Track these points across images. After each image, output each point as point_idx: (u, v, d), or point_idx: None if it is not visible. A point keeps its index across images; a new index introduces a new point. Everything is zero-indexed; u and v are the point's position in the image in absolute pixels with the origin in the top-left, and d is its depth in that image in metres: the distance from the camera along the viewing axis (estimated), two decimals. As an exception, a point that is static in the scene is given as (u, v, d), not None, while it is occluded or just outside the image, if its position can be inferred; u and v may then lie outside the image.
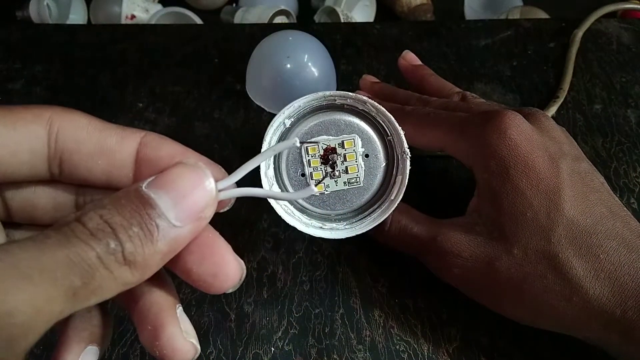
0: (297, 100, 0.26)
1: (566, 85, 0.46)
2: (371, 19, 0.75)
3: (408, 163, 0.27)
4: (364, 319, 0.33)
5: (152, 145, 0.18)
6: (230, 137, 0.43)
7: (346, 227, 0.28)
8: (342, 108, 0.27)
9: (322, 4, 0.72)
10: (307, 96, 0.27)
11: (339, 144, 0.27)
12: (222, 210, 0.19)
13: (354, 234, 0.27)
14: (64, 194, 0.19)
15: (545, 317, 0.27)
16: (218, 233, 0.18)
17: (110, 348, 0.31)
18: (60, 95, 0.47)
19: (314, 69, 0.44)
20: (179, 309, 0.18)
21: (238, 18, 0.66)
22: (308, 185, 0.27)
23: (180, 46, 0.51)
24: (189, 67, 0.49)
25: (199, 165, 0.17)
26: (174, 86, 0.47)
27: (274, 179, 0.27)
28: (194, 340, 0.18)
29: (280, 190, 0.28)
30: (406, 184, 0.27)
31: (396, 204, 0.27)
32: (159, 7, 0.70)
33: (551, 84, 0.47)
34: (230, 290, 0.18)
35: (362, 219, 0.28)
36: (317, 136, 0.27)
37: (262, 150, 0.27)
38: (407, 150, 0.26)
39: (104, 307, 0.19)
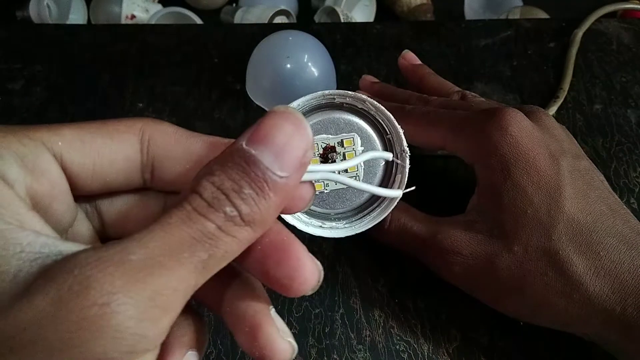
0: (296, 100, 0.26)
1: (566, 85, 0.46)
2: (371, 19, 0.75)
3: (408, 162, 0.27)
4: (364, 319, 0.33)
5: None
6: (231, 137, 0.42)
7: (346, 226, 0.28)
8: (341, 107, 0.27)
9: (322, 4, 0.72)
10: (306, 96, 0.27)
11: (338, 143, 0.27)
12: (303, 210, 0.19)
13: (353, 233, 0.27)
14: (155, 202, 0.20)
15: (545, 314, 0.27)
16: (294, 236, 0.18)
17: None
18: (60, 95, 0.47)
19: (314, 69, 0.44)
20: (272, 310, 0.19)
21: (238, 18, 0.66)
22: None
23: (180, 46, 0.51)
24: (189, 67, 0.49)
25: (289, 110, 0.16)
26: (174, 86, 0.47)
27: None
28: (291, 339, 0.18)
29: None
30: (406, 182, 0.27)
31: (396, 203, 0.27)
32: (159, 7, 0.70)
33: (551, 84, 0.47)
34: (309, 293, 0.18)
35: (361, 217, 0.28)
36: (317, 135, 0.27)
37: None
38: (407, 149, 0.27)
39: (199, 313, 0.19)
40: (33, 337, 0.12)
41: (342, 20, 0.66)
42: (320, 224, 0.28)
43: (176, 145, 0.18)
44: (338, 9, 0.68)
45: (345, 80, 0.48)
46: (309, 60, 0.44)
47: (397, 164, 0.27)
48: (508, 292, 0.28)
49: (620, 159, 0.41)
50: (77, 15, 0.69)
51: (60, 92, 0.47)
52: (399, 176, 0.27)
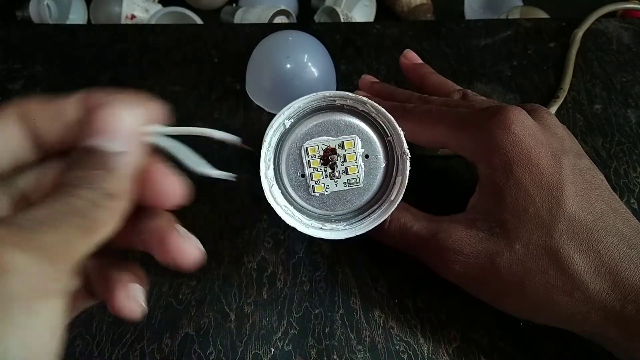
0: (296, 101, 0.26)
1: (566, 85, 0.46)
2: (371, 19, 0.75)
3: (408, 164, 0.27)
4: (363, 320, 0.33)
5: (95, 102, 0.20)
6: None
7: (346, 227, 0.28)
8: (342, 109, 0.27)
9: (322, 4, 0.72)
10: (307, 96, 0.26)
11: (338, 145, 0.27)
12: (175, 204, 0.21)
13: (353, 235, 0.27)
14: (57, 165, 0.21)
15: (546, 312, 0.27)
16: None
17: (109, 349, 0.31)
18: (60, 95, 0.47)
19: (314, 69, 0.44)
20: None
21: (238, 18, 0.66)
22: (308, 186, 0.27)
23: (180, 46, 0.51)
24: (188, 67, 0.49)
25: (112, 103, 0.19)
26: (174, 86, 0.47)
27: (274, 180, 0.27)
28: (198, 244, 0.21)
29: (280, 190, 0.28)
30: (406, 184, 0.27)
31: (396, 205, 0.27)
32: (159, 7, 0.71)
33: (551, 84, 0.47)
34: (195, 267, 0.21)
35: (362, 219, 0.28)
36: (317, 137, 0.27)
37: (263, 150, 0.27)
38: (407, 151, 0.26)
39: (135, 266, 0.23)
40: None
41: (342, 20, 0.66)
42: (320, 225, 0.28)
43: (54, 116, 0.20)
44: (338, 9, 0.68)
45: (345, 80, 0.48)
46: (309, 60, 0.44)
47: (397, 165, 0.27)
48: (508, 291, 0.28)
49: (620, 159, 0.41)
50: (77, 15, 0.69)
51: (60, 92, 0.47)
52: (399, 178, 0.27)
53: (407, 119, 0.27)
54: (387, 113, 0.26)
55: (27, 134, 0.20)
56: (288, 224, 0.27)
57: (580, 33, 0.50)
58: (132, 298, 0.21)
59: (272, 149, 0.27)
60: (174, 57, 0.50)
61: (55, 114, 0.21)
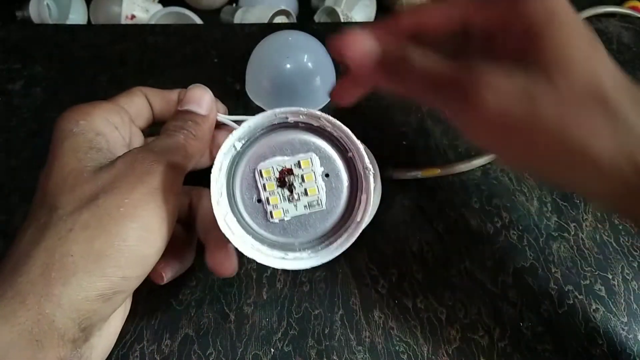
0: (246, 121, 0.25)
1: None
2: (371, 19, 0.75)
3: (372, 180, 0.25)
4: (363, 320, 0.33)
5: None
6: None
7: (311, 255, 0.25)
8: (296, 126, 0.25)
9: (322, 4, 0.72)
10: (256, 116, 0.25)
11: (295, 164, 0.25)
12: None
13: (318, 263, 0.25)
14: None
15: (579, 166, 0.24)
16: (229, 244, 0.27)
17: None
18: (60, 95, 0.47)
19: (314, 69, 0.44)
20: (230, 245, 0.26)
21: (238, 18, 0.66)
22: (265, 212, 0.25)
23: (180, 46, 0.51)
24: (188, 67, 0.49)
25: (196, 85, 0.31)
26: (174, 86, 0.47)
27: (228, 207, 0.25)
28: (235, 263, 0.28)
29: (235, 218, 0.25)
30: (372, 203, 0.25)
31: (363, 227, 0.25)
32: (159, 7, 0.70)
33: (551, 84, 0.47)
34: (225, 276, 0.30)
35: (327, 245, 0.26)
36: (272, 157, 0.25)
37: (213, 174, 0.25)
38: (370, 166, 0.24)
39: (190, 239, 0.31)
40: (115, 179, 0.25)
41: (342, 20, 0.66)
42: (282, 255, 0.25)
43: (162, 97, 0.32)
44: (338, 9, 0.68)
45: (345, 80, 0.48)
46: (309, 60, 0.44)
47: (361, 183, 0.25)
48: (544, 140, 0.24)
49: (620, 159, 0.41)
50: (77, 15, 0.69)
51: (60, 92, 0.47)
52: (363, 196, 0.25)
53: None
54: (344, 127, 0.24)
55: (148, 106, 0.31)
56: (247, 257, 0.25)
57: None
58: (231, 256, 0.28)
59: (223, 174, 0.25)
60: (174, 57, 0.50)
61: (163, 96, 0.32)
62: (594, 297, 0.34)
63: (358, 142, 0.24)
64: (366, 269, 0.35)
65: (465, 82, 0.24)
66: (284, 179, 0.25)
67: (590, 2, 0.54)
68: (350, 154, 0.25)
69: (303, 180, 0.25)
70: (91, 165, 0.25)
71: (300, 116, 0.25)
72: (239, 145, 0.25)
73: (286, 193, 0.25)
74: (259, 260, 0.25)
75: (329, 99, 0.46)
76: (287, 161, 0.25)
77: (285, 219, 0.25)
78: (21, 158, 0.42)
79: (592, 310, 0.33)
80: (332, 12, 0.69)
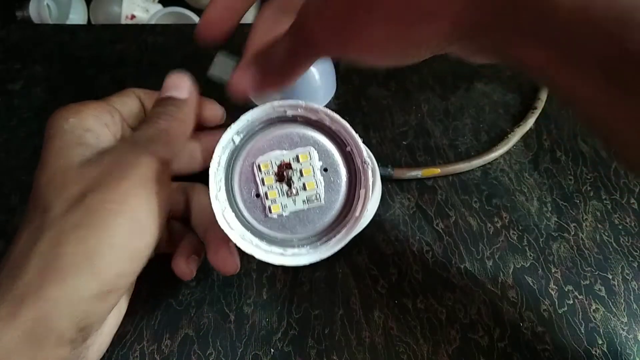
0: (244, 114, 0.25)
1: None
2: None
3: (370, 174, 0.24)
4: (363, 320, 0.33)
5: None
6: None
7: (309, 251, 0.25)
8: (294, 120, 0.26)
9: (322, 3, 0.72)
10: (255, 109, 0.25)
11: (293, 159, 0.25)
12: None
13: (317, 259, 0.25)
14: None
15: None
16: (228, 241, 0.26)
17: (109, 349, 0.31)
18: (60, 95, 0.47)
19: (313, 69, 0.44)
20: (231, 243, 0.26)
21: (238, 18, 0.66)
22: (264, 206, 0.25)
23: (180, 46, 0.51)
24: (189, 67, 0.49)
25: (174, 73, 0.30)
26: (174, 86, 0.47)
27: (227, 202, 0.25)
28: (238, 261, 0.28)
29: (233, 213, 0.25)
30: (372, 198, 0.24)
31: (361, 222, 0.25)
32: (159, 7, 0.70)
33: (551, 84, 0.47)
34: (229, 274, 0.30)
35: (326, 241, 0.25)
36: (270, 151, 0.25)
37: (211, 172, 0.25)
38: (368, 160, 0.24)
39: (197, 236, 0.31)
40: (101, 175, 0.25)
41: (342, 20, 0.66)
42: (281, 251, 0.25)
43: (151, 96, 0.32)
44: (338, 9, 0.67)
45: (345, 80, 0.48)
46: (309, 61, 0.44)
47: (359, 178, 0.25)
48: None
49: (620, 159, 0.41)
50: (77, 15, 0.69)
51: (60, 92, 0.47)
52: (362, 191, 0.25)
53: None
54: (342, 120, 0.24)
55: (141, 106, 0.31)
56: (245, 252, 0.24)
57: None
58: (233, 254, 0.28)
59: (222, 169, 0.25)
60: (174, 57, 0.50)
61: (155, 97, 0.30)
62: (594, 297, 0.34)
63: (356, 135, 0.24)
64: (366, 269, 0.35)
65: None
66: (283, 173, 0.25)
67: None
68: (348, 148, 0.25)
69: (301, 174, 0.25)
70: (78, 160, 0.25)
71: (299, 109, 0.25)
72: (237, 140, 0.25)
73: (284, 188, 0.25)
74: (257, 257, 0.24)
75: (329, 99, 0.46)
76: (285, 155, 0.25)
77: (284, 214, 0.25)
78: (21, 158, 0.42)
79: (592, 310, 0.33)
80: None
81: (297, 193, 0.25)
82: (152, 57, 0.50)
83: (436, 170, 0.39)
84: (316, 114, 0.25)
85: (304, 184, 0.25)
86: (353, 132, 0.24)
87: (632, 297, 0.34)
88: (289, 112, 0.25)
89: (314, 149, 0.25)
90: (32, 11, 0.64)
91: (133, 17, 0.68)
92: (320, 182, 0.25)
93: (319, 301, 0.34)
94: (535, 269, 0.35)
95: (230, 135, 0.25)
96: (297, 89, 0.44)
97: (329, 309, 0.33)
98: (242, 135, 0.25)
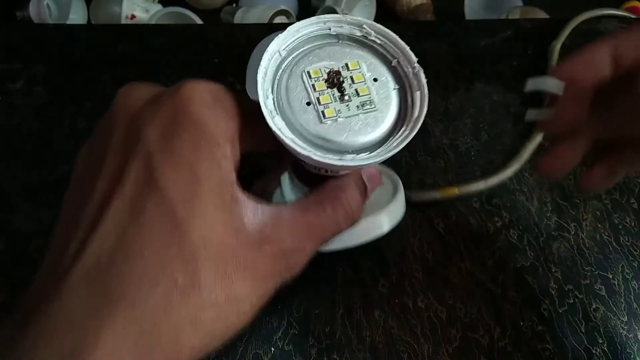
0: (291, 26, 0.24)
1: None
2: (371, 19, 0.75)
3: (422, 75, 0.24)
4: (364, 319, 0.33)
5: None
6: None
7: (369, 155, 0.24)
8: (337, 38, 0.26)
9: (322, 4, 0.72)
10: (302, 21, 0.24)
11: (342, 67, 0.25)
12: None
13: (379, 159, 0.23)
14: None
15: None
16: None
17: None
18: (60, 95, 0.47)
19: (314, 69, 0.44)
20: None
21: (238, 18, 0.66)
22: (317, 113, 0.24)
23: (180, 46, 0.51)
24: (189, 67, 0.49)
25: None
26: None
27: (276, 111, 0.23)
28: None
29: (283, 122, 0.23)
30: (427, 97, 0.24)
31: (420, 123, 0.24)
32: (159, 7, 0.70)
33: (551, 84, 0.47)
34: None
35: (385, 145, 0.24)
36: (318, 62, 0.24)
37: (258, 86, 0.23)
38: (417, 65, 0.24)
39: None
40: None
41: (342, 20, 0.66)
42: (339, 157, 0.23)
43: None
44: (338, 9, 0.68)
45: (345, 80, 0.48)
46: (309, 60, 0.44)
47: (410, 84, 0.25)
48: None
49: (620, 159, 0.41)
50: (77, 15, 0.69)
51: (60, 92, 0.47)
52: (417, 94, 0.24)
53: None
54: (388, 31, 0.25)
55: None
56: (301, 153, 0.22)
57: (557, 45, 0.50)
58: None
59: (269, 79, 0.24)
60: (174, 57, 0.50)
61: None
62: (594, 297, 0.34)
63: (403, 43, 0.25)
64: (367, 267, 0.35)
65: None
66: (334, 80, 0.24)
67: (588, 5, 0.54)
68: (394, 62, 0.25)
69: (352, 81, 0.24)
70: (241, 231, 0.20)
71: (344, 26, 0.25)
72: (283, 53, 0.25)
73: (337, 93, 0.24)
74: (314, 157, 0.22)
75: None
76: (334, 65, 0.24)
77: (339, 119, 0.24)
78: (22, 158, 0.42)
79: (592, 309, 0.33)
80: (332, 12, 0.69)
81: (350, 99, 0.24)
82: (152, 57, 0.50)
83: (454, 191, 0.38)
84: (361, 29, 0.25)
85: (356, 90, 0.24)
86: (400, 40, 0.25)
87: (632, 297, 0.34)
88: (334, 29, 0.25)
89: (362, 61, 0.25)
90: (32, 11, 0.64)
91: (133, 17, 0.68)
92: (372, 90, 0.24)
93: (320, 300, 0.34)
94: (536, 269, 0.35)
95: (277, 47, 0.24)
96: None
97: (330, 308, 0.33)
98: (287, 50, 0.25)
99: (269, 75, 0.24)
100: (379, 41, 0.25)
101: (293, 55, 0.25)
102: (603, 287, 0.34)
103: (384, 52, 0.25)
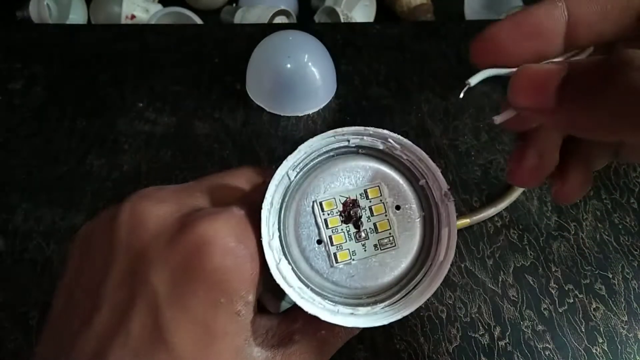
0: (302, 145, 0.21)
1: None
2: (371, 19, 0.75)
3: (453, 209, 0.20)
4: (364, 319, 0.33)
5: None
6: (230, 137, 0.43)
7: (386, 310, 0.21)
8: (356, 152, 0.22)
9: (322, 4, 0.72)
10: (314, 138, 0.21)
11: (360, 195, 0.21)
12: None
13: (398, 317, 0.20)
14: None
15: None
16: None
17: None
18: (60, 95, 0.47)
19: (314, 69, 0.44)
20: None
21: (238, 18, 0.66)
22: (328, 255, 0.20)
23: (180, 46, 0.51)
24: (189, 67, 0.49)
25: None
26: (174, 86, 0.47)
27: (281, 252, 0.20)
28: None
29: (290, 266, 0.20)
30: (456, 237, 0.20)
31: (447, 267, 0.21)
32: (159, 7, 0.70)
33: (551, 84, 0.47)
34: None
35: (404, 295, 0.21)
36: (332, 188, 0.20)
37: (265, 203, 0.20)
38: (449, 193, 0.21)
39: None
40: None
41: (342, 20, 0.66)
42: (351, 311, 0.20)
43: None
44: (338, 9, 0.68)
45: (345, 80, 0.48)
46: (309, 60, 0.44)
47: (439, 215, 0.21)
48: None
49: (620, 158, 0.41)
50: (77, 15, 0.69)
51: (60, 92, 0.47)
52: (444, 230, 0.21)
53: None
54: (417, 148, 0.21)
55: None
56: (308, 312, 0.19)
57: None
58: None
59: (275, 210, 0.20)
60: (174, 57, 0.50)
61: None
62: (594, 296, 0.34)
63: (434, 164, 0.20)
64: (367, 268, 0.35)
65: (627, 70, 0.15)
66: (350, 213, 0.20)
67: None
68: (422, 182, 0.21)
69: (372, 213, 0.21)
70: None
71: (364, 138, 0.21)
72: (292, 175, 0.21)
73: (352, 230, 0.21)
74: (323, 318, 0.19)
75: (329, 99, 0.46)
76: (351, 191, 0.21)
77: (352, 262, 0.20)
78: (21, 157, 0.42)
79: (592, 309, 0.33)
80: (332, 12, 0.69)
81: (367, 236, 0.21)
82: (152, 57, 0.50)
83: (466, 221, 0.37)
84: (385, 142, 0.21)
85: (375, 225, 0.21)
86: (430, 161, 0.21)
87: (632, 296, 0.34)
88: (352, 141, 0.21)
89: (383, 184, 0.21)
90: (32, 11, 0.64)
91: (133, 17, 0.68)
92: (394, 222, 0.21)
93: (320, 300, 0.34)
94: (536, 268, 0.35)
95: (285, 170, 0.21)
96: (298, 89, 0.44)
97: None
98: (297, 171, 0.21)
99: (276, 205, 0.20)
100: (404, 157, 0.21)
101: (303, 173, 0.21)
102: (603, 286, 0.34)
103: (411, 169, 0.21)
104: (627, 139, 0.17)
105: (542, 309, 0.33)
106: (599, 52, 0.20)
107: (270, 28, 0.56)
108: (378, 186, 0.21)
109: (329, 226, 0.20)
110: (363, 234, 0.21)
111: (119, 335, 0.17)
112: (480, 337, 0.32)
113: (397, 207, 0.21)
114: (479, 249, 0.36)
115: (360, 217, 0.21)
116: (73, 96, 0.47)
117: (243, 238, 0.19)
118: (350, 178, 0.21)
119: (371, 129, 0.21)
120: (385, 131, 0.21)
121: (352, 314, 0.20)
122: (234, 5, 0.73)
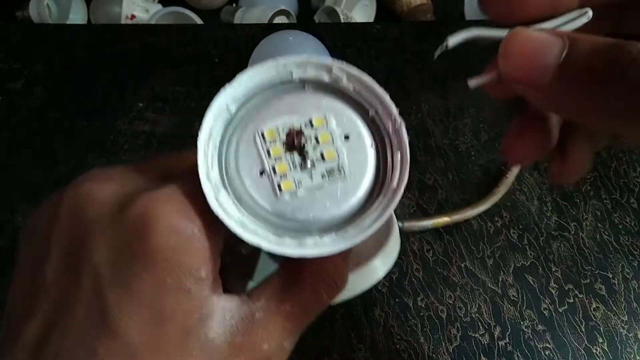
0: (241, 74, 0.20)
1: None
2: (371, 19, 0.75)
3: (404, 132, 0.20)
4: (364, 319, 0.33)
5: None
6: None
7: (336, 238, 0.19)
8: (302, 87, 0.21)
9: (322, 4, 0.72)
10: (254, 67, 0.20)
11: (305, 124, 0.20)
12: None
13: (347, 246, 0.19)
14: None
15: None
16: None
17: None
18: (60, 95, 0.47)
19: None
20: None
21: (238, 18, 0.66)
22: (272, 185, 0.20)
23: (180, 46, 0.51)
24: (189, 67, 0.49)
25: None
26: (174, 86, 0.47)
27: (221, 184, 0.19)
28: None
29: (231, 198, 0.19)
30: (409, 161, 0.20)
31: (400, 193, 0.19)
32: (159, 7, 0.70)
33: (551, 84, 0.47)
34: None
35: (357, 225, 0.20)
36: (276, 118, 0.20)
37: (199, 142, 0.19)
38: (399, 119, 0.20)
39: None
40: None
41: (342, 20, 0.66)
42: (297, 242, 0.19)
43: None
44: (338, 9, 0.68)
45: (345, 80, 0.48)
46: (309, 60, 0.44)
47: (391, 141, 0.20)
48: None
49: (620, 159, 0.41)
50: (77, 15, 0.69)
51: (60, 92, 0.47)
52: (397, 155, 0.20)
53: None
54: (364, 75, 0.20)
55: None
56: (249, 242, 0.18)
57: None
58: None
59: (215, 143, 0.20)
60: (174, 57, 0.50)
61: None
62: (594, 296, 0.34)
63: (382, 90, 0.20)
64: (367, 268, 0.35)
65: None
66: (293, 142, 0.20)
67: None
68: (372, 112, 0.20)
69: (317, 142, 0.20)
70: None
71: (308, 69, 0.20)
72: (233, 108, 0.20)
73: (297, 159, 0.20)
74: (265, 247, 0.19)
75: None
76: (295, 121, 0.20)
77: (298, 193, 0.19)
78: (22, 157, 0.42)
79: (592, 309, 0.33)
80: (332, 12, 0.69)
81: (314, 165, 0.20)
82: (152, 57, 0.50)
83: (446, 219, 0.37)
84: (330, 74, 0.20)
85: (321, 154, 0.20)
86: (378, 87, 0.20)
87: (632, 296, 0.34)
88: (296, 74, 0.20)
89: (330, 114, 0.20)
90: (32, 11, 0.64)
91: (133, 17, 0.68)
92: (342, 151, 0.20)
93: (320, 300, 0.34)
94: (536, 268, 0.35)
95: (224, 101, 0.20)
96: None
97: (329, 307, 0.33)
98: (239, 104, 0.20)
99: (215, 137, 0.20)
100: (352, 88, 0.20)
101: (245, 108, 0.21)
102: (603, 286, 0.34)
103: (360, 101, 0.20)
104: (624, 133, 0.17)
105: (542, 308, 0.33)
106: (595, 20, 0.19)
107: (270, 28, 0.56)
108: (324, 115, 0.20)
109: (272, 155, 0.20)
110: (309, 163, 0.20)
111: (62, 322, 0.17)
112: (480, 337, 0.32)
113: (346, 137, 0.20)
114: (479, 248, 0.36)
115: (304, 144, 0.20)
116: (73, 96, 0.47)
117: (188, 214, 0.18)
118: (295, 110, 0.20)
119: (313, 58, 0.20)
120: (329, 60, 0.20)
121: (299, 244, 0.19)
122: (234, 5, 0.73)
